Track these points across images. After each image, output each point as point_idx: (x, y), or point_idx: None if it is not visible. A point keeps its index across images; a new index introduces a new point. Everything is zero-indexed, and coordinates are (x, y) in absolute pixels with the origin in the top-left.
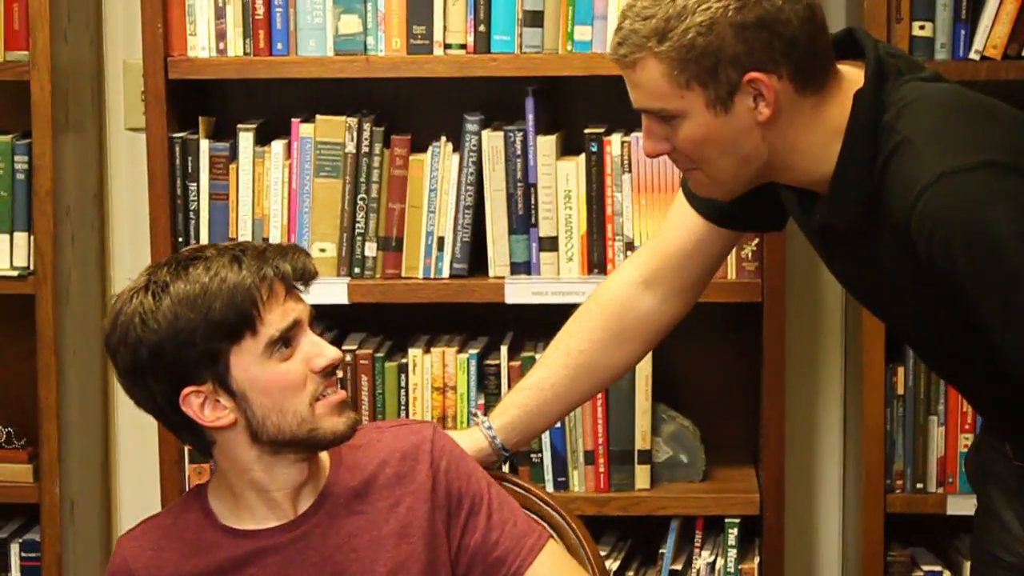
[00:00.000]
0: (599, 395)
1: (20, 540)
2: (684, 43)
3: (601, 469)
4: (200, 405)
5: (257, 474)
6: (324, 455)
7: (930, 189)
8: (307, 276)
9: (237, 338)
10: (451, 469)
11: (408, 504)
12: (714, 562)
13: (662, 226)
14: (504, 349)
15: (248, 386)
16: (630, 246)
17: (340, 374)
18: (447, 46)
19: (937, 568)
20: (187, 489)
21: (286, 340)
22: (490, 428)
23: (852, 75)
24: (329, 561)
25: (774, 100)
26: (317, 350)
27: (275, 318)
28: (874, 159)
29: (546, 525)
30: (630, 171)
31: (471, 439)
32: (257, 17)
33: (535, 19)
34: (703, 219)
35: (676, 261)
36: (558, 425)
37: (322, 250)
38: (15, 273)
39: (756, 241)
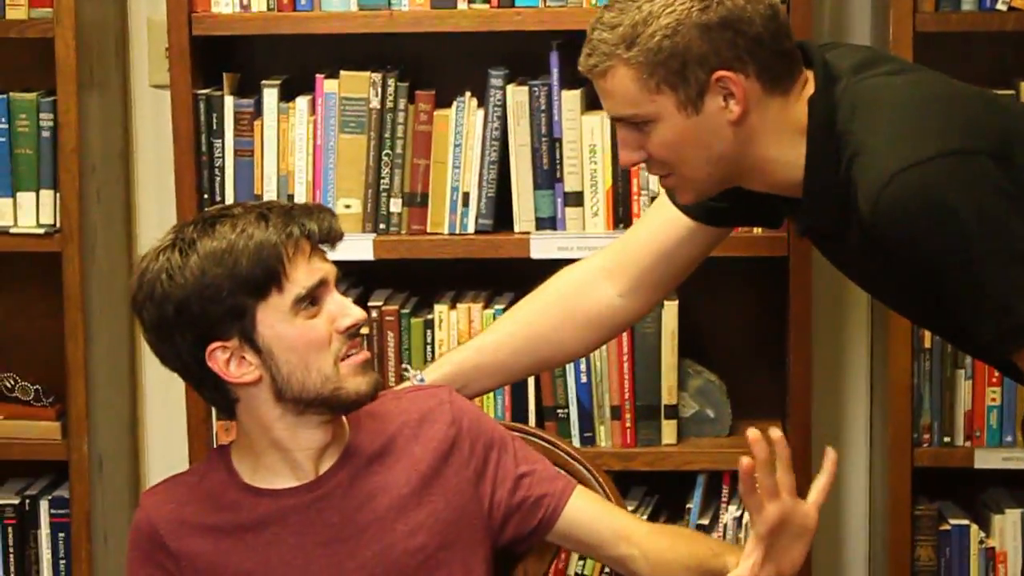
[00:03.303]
0: (626, 351)
1: (49, 497)
2: (651, 47)
3: (628, 424)
4: (226, 361)
5: (280, 433)
6: (345, 419)
7: (886, 190)
8: (333, 236)
9: (264, 294)
10: (473, 426)
11: (428, 464)
12: (741, 516)
13: (638, 223)
14: None
15: (274, 343)
16: (655, 200)
17: (365, 331)
18: (471, 0)
19: (965, 522)
20: (215, 445)
21: (312, 299)
22: (421, 380)
23: (813, 82)
24: (349, 521)
25: (743, 98)
26: (342, 310)
27: (301, 276)
28: (838, 164)
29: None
30: None
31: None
32: None
33: None
34: (690, 220)
35: (647, 260)
36: (584, 380)
37: (347, 206)
38: (41, 231)
39: None
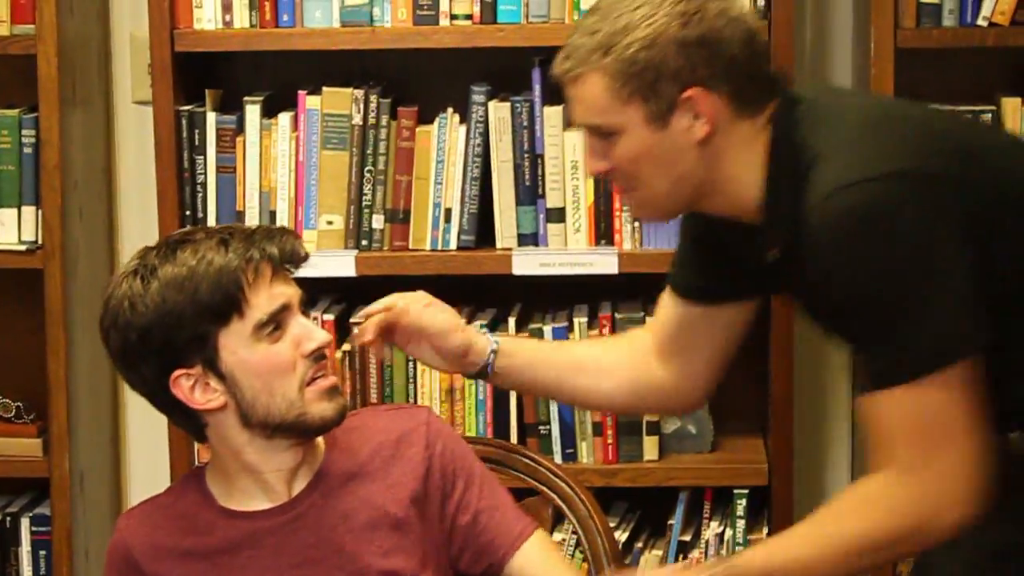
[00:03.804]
0: None
1: (30, 514)
2: (627, 56)
3: (609, 440)
4: (190, 388)
5: (250, 457)
6: (319, 438)
7: (829, 200)
8: (296, 258)
9: (224, 320)
10: (446, 452)
11: (404, 485)
12: (723, 533)
13: (657, 314)
14: (512, 321)
15: (237, 368)
16: (637, 218)
17: (329, 354)
18: (453, 17)
19: None
20: (196, 463)
21: (275, 323)
22: (496, 342)
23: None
24: (325, 541)
25: (711, 118)
26: (307, 334)
27: (262, 300)
28: (795, 177)
29: (555, 497)
30: None
31: (467, 331)
32: None
33: None
34: (688, 302)
35: (672, 345)
36: None
37: (329, 222)
38: (23, 247)
39: None
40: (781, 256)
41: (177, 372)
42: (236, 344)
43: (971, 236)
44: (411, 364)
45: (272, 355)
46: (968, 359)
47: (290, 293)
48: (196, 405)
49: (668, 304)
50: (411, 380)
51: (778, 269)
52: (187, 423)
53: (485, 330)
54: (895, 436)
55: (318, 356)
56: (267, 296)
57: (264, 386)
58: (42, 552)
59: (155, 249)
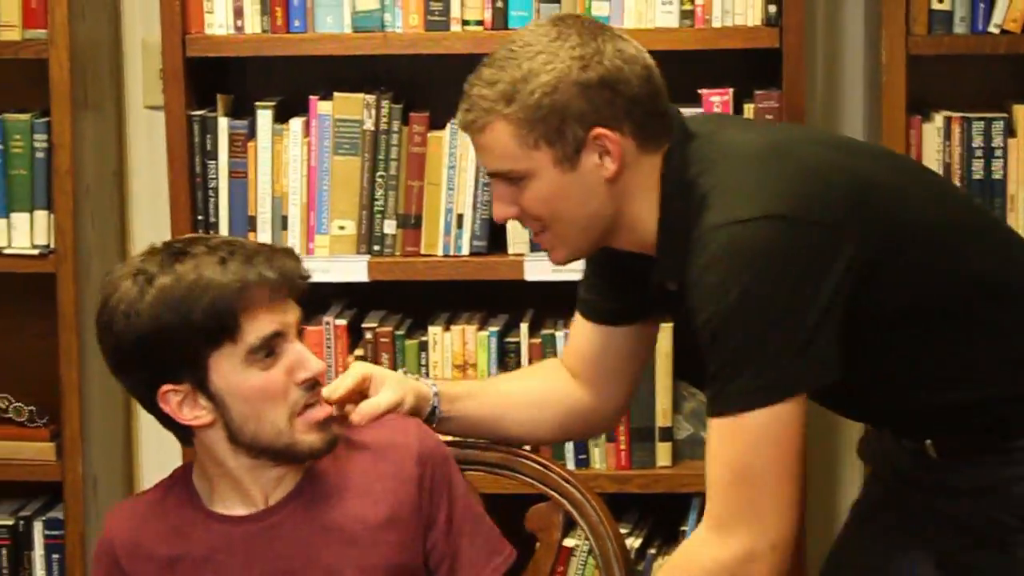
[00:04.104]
0: None
1: (43, 518)
2: (531, 103)
3: (622, 447)
4: (178, 403)
5: (234, 471)
6: None
7: (710, 237)
8: (294, 282)
9: (217, 343)
10: (437, 472)
11: (389, 503)
12: None
13: (572, 334)
14: (524, 327)
15: (227, 391)
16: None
17: (323, 383)
18: (465, 22)
19: None
20: None
21: (268, 349)
22: (434, 386)
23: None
24: (300, 554)
25: (619, 156)
26: (300, 362)
27: (256, 326)
28: (687, 215)
29: (566, 502)
30: None
31: (411, 383)
32: None
33: None
34: (602, 326)
35: (592, 369)
36: None
37: (341, 228)
38: (36, 251)
39: None
40: (678, 289)
41: (165, 387)
42: (227, 368)
43: (850, 278)
44: (424, 369)
45: (263, 382)
46: (798, 396)
47: (286, 319)
48: (183, 420)
49: (581, 331)
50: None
51: (678, 299)
52: (174, 428)
53: (419, 376)
54: (716, 480)
55: (311, 385)
56: (262, 322)
57: (253, 411)
58: (55, 556)
59: (159, 252)
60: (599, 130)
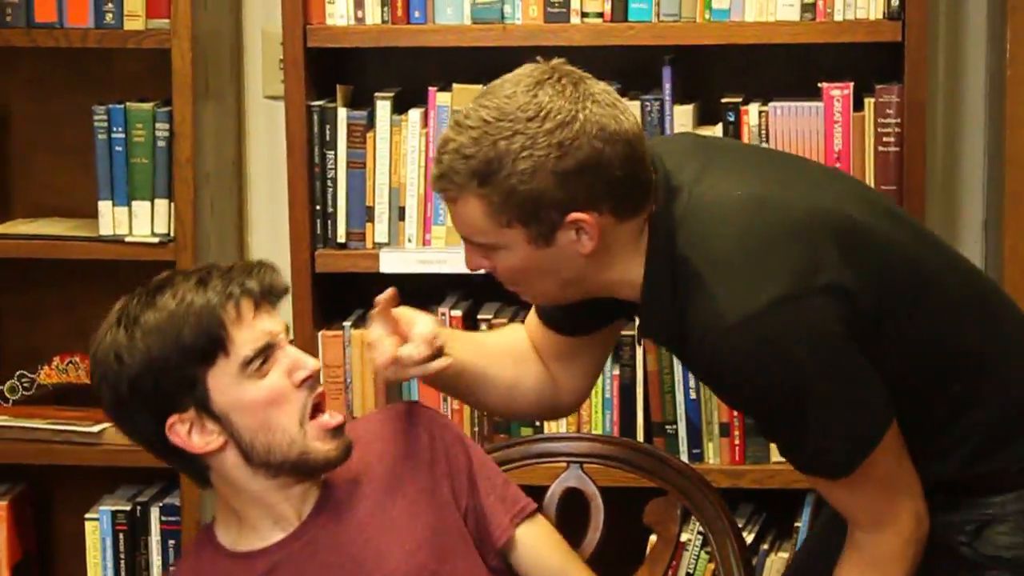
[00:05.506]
0: None
1: (160, 504)
2: (505, 189)
3: (736, 441)
4: (187, 432)
5: (260, 494)
6: None
7: (725, 342)
8: (275, 292)
9: (210, 360)
10: (446, 437)
11: (410, 481)
12: None
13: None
14: None
15: (230, 408)
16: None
17: (322, 383)
18: (584, 14)
19: None
20: None
21: (262, 358)
22: None
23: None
24: (345, 556)
25: (597, 234)
26: (296, 363)
27: (246, 337)
28: (675, 290)
29: (683, 496)
30: (768, 140)
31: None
32: None
33: None
34: (557, 333)
35: (547, 354)
36: (693, 396)
37: None
38: (156, 240)
39: None
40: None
41: (171, 419)
42: (225, 383)
43: (859, 328)
44: None
45: (263, 389)
46: (884, 436)
47: (273, 327)
48: (195, 449)
49: (536, 328)
50: None
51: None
52: (189, 469)
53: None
54: (853, 509)
55: (311, 384)
56: (251, 332)
57: (261, 423)
58: (171, 542)
59: (135, 297)
60: (576, 215)
